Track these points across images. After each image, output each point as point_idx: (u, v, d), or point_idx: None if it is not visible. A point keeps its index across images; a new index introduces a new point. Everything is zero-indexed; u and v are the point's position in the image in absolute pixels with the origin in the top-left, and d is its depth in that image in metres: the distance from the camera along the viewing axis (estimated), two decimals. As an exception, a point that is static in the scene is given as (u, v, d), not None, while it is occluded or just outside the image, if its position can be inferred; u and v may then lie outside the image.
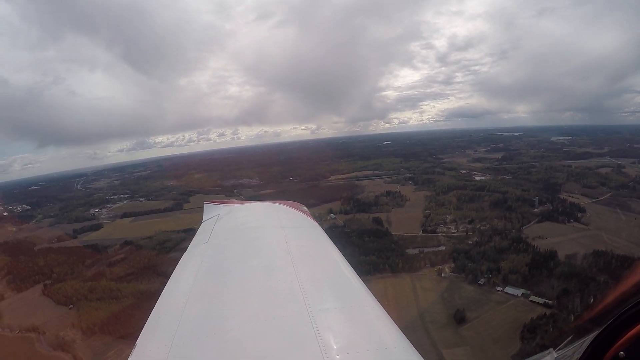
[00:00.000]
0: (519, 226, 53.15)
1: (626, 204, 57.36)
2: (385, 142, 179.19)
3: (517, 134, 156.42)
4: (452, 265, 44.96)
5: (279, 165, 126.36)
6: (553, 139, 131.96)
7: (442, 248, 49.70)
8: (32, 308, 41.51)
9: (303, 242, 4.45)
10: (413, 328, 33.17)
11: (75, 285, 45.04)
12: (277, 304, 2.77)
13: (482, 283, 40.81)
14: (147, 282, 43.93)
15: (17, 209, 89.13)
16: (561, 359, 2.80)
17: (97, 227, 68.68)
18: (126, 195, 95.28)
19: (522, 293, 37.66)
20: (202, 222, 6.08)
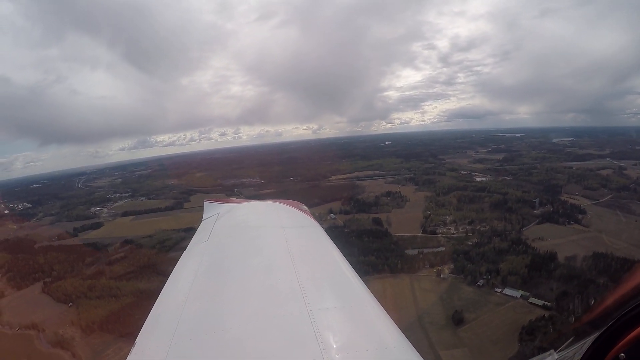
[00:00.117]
0: (519, 227, 52.96)
1: (627, 206, 57.12)
2: (387, 143, 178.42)
3: (518, 135, 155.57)
4: (452, 266, 44.87)
5: (280, 164, 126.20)
6: (555, 140, 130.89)
7: (442, 249, 49.57)
8: (32, 305, 41.61)
9: (303, 241, 4.44)
10: (411, 329, 33.09)
11: (75, 283, 45.19)
12: (277, 303, 2.76)
13: (481, 284, 40.71)
14: (146, 280, 44.01)
15: (19, 206, 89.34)
16: (561, 361, 2.79)
17: (98, 225, 68.83)
18: (127, 194, 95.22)
19: (521, 295, 37.55)
20: (202, 221, 6.06)
